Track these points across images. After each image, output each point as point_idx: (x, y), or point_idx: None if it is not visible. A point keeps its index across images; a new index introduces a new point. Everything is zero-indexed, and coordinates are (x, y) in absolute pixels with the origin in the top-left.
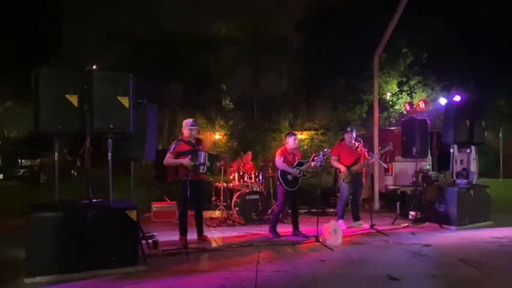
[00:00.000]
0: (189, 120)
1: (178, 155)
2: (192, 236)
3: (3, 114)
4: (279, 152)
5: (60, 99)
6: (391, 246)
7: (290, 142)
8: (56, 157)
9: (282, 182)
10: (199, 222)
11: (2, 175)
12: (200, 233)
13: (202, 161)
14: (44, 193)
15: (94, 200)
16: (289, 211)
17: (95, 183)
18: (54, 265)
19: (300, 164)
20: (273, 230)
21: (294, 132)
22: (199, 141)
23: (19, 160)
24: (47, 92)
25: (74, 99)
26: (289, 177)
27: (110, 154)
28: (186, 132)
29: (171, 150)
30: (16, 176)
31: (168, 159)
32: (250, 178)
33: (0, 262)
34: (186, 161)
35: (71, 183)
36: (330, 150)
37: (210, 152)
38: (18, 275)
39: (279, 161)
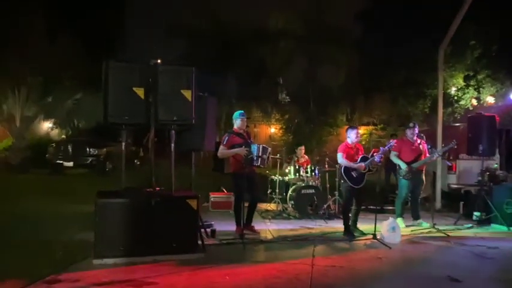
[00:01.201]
0: (240, 111)
1: (231, 147)
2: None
3: (74, 106)
4: (340, 148)
5: (127, 92)
6: (453, 247)
7: (352, 136)
8: (123, 146)
9: (346, 179)
10: (251, 212)
11: (72, 163)
12: (249, 222)
13: (256, 154)
14: (110, 181)
15: (157, 189)
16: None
17: (158, 172)
18: (120, 248)
19: (364, 159)
20: (347, 231)
21: (355, 126)
22: (249, 134)
23: (87, 149)
24: (115, 85)
25: (140, 92)
26: (354, 173)
27: (172, 145)
28: (237, 122)
29: (225, 142)
30: (84, 164)
31: (223, 151)
32: (306, 172)
33: (72, 244)
34: (241, 149)
35: (134, 172)
36: (395, 141)
37: (262, 145)
38: (88, 256)
39: (341, 157)
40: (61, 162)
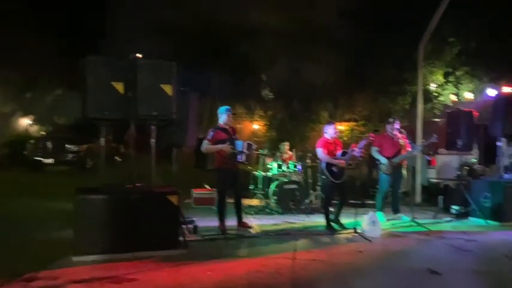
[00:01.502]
0: (226, 107)
1: (216, 143)
2: (231, 223)
3: (53, 102)
4: (319, 143)
5: (106, 87)
6: (432, 240)
7: (330, 132)
8: (102, 142)
9: (327, 174)
10: (239, 210)
11: (52, 159)
12: (240, 219)
13: (240, 150)
14: (90, 178)
15: (138, 185)
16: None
17: (138, 168)
18: (100, 245)
19: (344, 154)
20: (328, 225)
21: (333, 121)
22: (234, 130)
23: (67, 146)
24: (94, 80)
25: (119, 87)
26: (334, 168)
27: (153, 140)
28: (222, 118)
29: (209, 137)
30: (64, 160)
31: (207, 146)
32: (289, 168)
33: (51, 242)
34: (225, 146)
35: (114, 168)
36: (371, 135)
37: (247, 142)
38: (68, 253)
39: (321, 153)
40: (40, 159)
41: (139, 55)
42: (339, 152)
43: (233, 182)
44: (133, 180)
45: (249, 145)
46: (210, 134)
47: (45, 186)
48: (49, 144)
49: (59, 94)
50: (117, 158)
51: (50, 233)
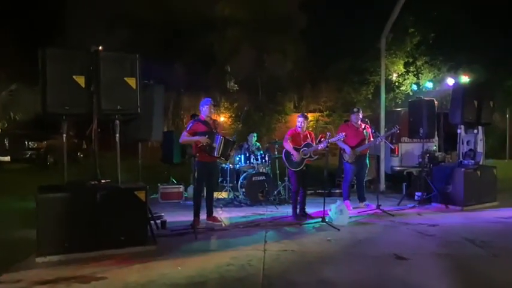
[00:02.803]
0: (208, 99)
1: (194, 134)
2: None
3: (9, 97)
4: (288, 132)
5: (67, 80)
6: (398, 226)
7: (297, 124)
8: (64, 138)
9: (285, 161)
10: (210, 203)
11: (9, 157)
12: (210, 213)
13: (217, 145)
14: (51, 175)
15: (102, 181)
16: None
17: (102, 165)
18: (65, 245)
19: (308, 146)
20: (294, 214)
21: (304, 113)
22: (215, 123)
23: (26, 142)
24: (53, 73)
25: (81, 80)
26: (293, 157)
27: (117, 135)
28: (204, 110)
29: (188, 128)
30: (23, 158)
31: (184, 137)
32: (257, 159)
33: (12, 242)
34: (202, 138)
35: (77, 165)
36: (344, 134)
37: (226, 137)
38: (30, 254)
39: (285, 141)
40: None
41: (100, 47)
42: (305, 142)
43: (209, 175)
44: (98, 177)
45: (227, 141)
46: (189, 125)
47: (3, 184)
48: (6, 141)
49: (14, 89)
50: (80, 154)
51: (10, 234)
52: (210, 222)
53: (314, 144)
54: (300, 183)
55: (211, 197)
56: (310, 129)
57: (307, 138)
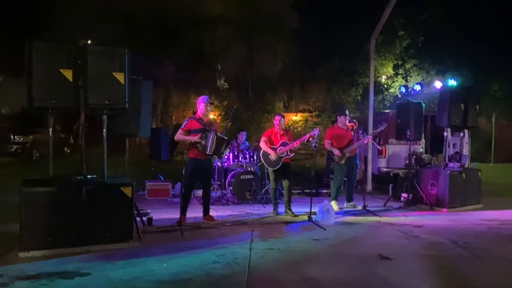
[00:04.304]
0: (205, 97)
1: (188, 132)
2: (192, 214)
3: None
4: (265, 134)
5: (54, 74)
6: (383, 226)
7: (275, 122)
8: (50, 133)
9: (262, 160)
10: (207, 202)
11: None
12: (207, 212)
13: (210, 143)
14: (37, 170)
15: (89, 176)
16: (283, 191)
17: (89, 160)
18: (49, 240)
19: (284, 145)
20: (274, 209)
21: (280, 113)
22: (211, 122)
23: (12, 136)
24: (40, 66)
25: (68, 74)
26: (271, 157)
27: (104, 130)
28: (201, 108)
29: (183, 126)
30: (9, 152)
31: (179, 135)
32: (245, 158)
33: None
34: (195, 138)
35: (63, 160)
36: (319, 130)
37: (220, 135)
38: (13, 249)
39: (261, 141)
40: None
41: (89, 41)
42: (281, 142)
43: (203, 174)
44: (84, 172)
45: (220, 139)
46: (184, 122)
47: None
48: None
49: (0, 82)
50: (66, 149)
51: None
52: (206, 221)
53: (290, 142)
54: (277, 182)
55: (208, 195)
56: (299, 129)
57: (284, 136)
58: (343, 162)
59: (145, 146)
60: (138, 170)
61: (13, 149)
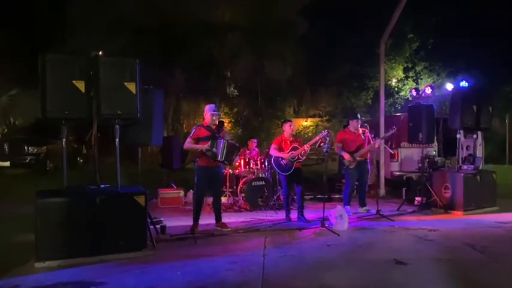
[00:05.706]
0: (211, 106)
1: (197, 140)
2: (205, 221)
3: (8, 102)
4: (275, 141)
5: (67, 85)
6: (397, 231)
7: (285, 129)
8: (64, 143)
9: (274, 167)
10: (218, 209)
11: (9, 162)
12: (219, 219)
13: (220, 149)
14: (51, 180)
15: (102, 186)
16: (295, 197)
17: (102, 169)
18: (64, 250)
19: (295, 149)
20: (287, 216)
21: (289, 119)
22: (220, 129)
23: (26, 147)
24: (53, 78)
25: (80, 85)
26: (283, 162)
27: (117, 140)
28: (207, 117)
29: (191, 134)
30: (23, 163)
31: (188, 144)
32: (256, 165)
33: (11, 247)
34: (204, 146)
35: (77, 170)
36: (327, 131)
37: (230, 141)
38: (29, 259)
39: (272, 148)
40: None
41: (100, 52)
42: (291, 146)
43: (213, 181)
44: (98, 182)
45: (231, 145)
46: (192, 131)
47: (2, 190)
48: (5, 147)
49: (14, 94)
50: (79, 159)
51: (9, 238)
52: (219, 228)
53: (300, 147)
54: (290, 187)
55: (219, 203)
56: (310, 134)
57: (294, 142)
58: (353, 166)
59: (157, 154)
60: (150, 179)
61: (27, 160)
